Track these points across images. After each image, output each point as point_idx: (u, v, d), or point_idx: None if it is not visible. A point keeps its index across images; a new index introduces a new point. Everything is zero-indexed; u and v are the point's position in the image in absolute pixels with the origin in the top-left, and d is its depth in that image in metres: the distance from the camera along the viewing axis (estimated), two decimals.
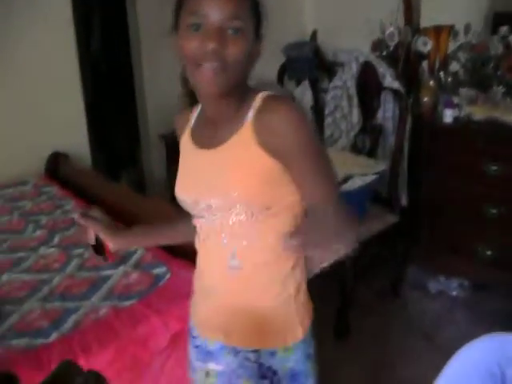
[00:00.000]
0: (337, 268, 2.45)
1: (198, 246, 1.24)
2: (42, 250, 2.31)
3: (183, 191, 1.19)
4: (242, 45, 1.00)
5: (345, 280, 2.69)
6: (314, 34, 4.01)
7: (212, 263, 1.21)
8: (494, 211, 2.82)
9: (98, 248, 1.31)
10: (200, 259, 1.26)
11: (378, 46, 3.36)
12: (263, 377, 1.18)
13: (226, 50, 0.98)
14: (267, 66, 2.10)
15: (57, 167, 3.32)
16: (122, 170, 4.66)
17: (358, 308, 2.86)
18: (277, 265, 1.15)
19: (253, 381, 1.19)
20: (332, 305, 2.70)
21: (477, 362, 1.06)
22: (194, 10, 0.99)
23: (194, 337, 1.31)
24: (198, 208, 1.15)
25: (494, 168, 2.75)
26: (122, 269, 2.08)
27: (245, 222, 1.09)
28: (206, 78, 1.00)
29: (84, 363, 1.61)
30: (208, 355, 1.25)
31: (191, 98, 1.20)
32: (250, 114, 1.05)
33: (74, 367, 0.68)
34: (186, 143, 1.22)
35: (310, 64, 3.72)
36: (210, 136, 1.13)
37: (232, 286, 1.18)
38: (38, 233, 2.48)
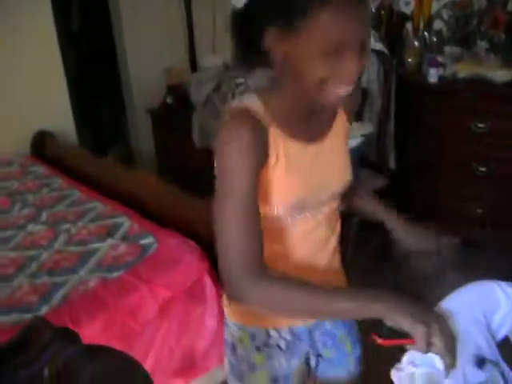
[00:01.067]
0: None
1: (295, 245, 1.14)
2: (30, 228, 2.30)
3: (306, 189, 1.08)
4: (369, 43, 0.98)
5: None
6: None
7: (320, 258, 1.19)
8: (483, 169, 2.81)
9: None
10: (301, 259, 1.16)
11: None
12: None
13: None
14: None
15: (43, 146, 3.29)
16: (109, 145, 4.63)
17: (354, 270, 2.86)
18: None
19: None
20: None
21: (462, 311, 1.08)
22: (340, 29, 0.88)
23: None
24: (315, 201, 1.11)
25: (481, 125, 2.73)
26: (109, 241, 2.08)
27: (336, 209, 1.19)
28: (338, 98, 0.96)
29: None
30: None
31: None
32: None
33: (42, 322, 0.67)
34: (283, 144, 1.03)
35: None
36: (314, 128, 1.09)
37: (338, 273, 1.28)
38: (25, 211, 2.47)
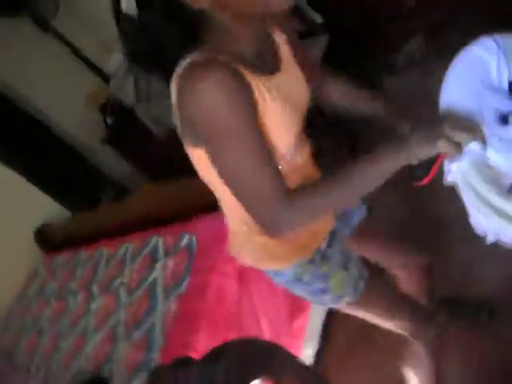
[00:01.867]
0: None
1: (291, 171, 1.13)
2: (93, 306, 2.36)
3: (297, 119, 1.08)
4: None
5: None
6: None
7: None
8: None
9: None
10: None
11: None
12: None
13: None
14: None
15: (47, 239, 3.33)
16: (100, 193, 4.62)
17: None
18: None
19: None
20: None
21: (462, 93, 1.10)
22: None
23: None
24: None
25: None
26: (159, 265, 2.13)
27: None
28: None
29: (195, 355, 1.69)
30: None
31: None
32: None
33: (158, 370, 0.72)
34: (259, 83, 0.97)
35: None
36: (268, 59, 1.06)
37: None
38: (79, 298, 2.53)
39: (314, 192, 1.00)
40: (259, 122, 0.95)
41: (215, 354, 0.82)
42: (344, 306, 1.34)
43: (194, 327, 1.75)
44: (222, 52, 0.93)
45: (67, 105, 3.90)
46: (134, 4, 0.92)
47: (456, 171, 1.01)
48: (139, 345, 1.90)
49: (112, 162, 4.13)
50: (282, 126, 1.01)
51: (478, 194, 0.98)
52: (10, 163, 3.60)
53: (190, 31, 0.95)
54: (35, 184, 3.63)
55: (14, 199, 3.41)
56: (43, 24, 3.53)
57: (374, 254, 1.56)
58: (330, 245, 1.27)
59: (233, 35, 0.97)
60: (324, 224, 1.26)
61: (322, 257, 1.25)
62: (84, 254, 2.83)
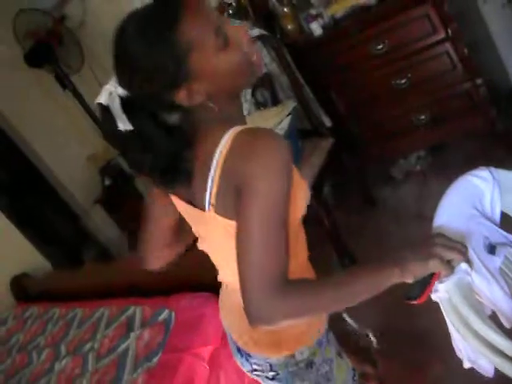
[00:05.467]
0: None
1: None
2: (57, 366, 2.30)
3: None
4: None
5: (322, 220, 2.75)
6: None
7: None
8: (403, 81, 2.92)
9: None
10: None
11: (221, 9, 3.40)
12: None
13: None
14: None
15: (22, 288, 3.28)
16: (82, 251, 4.61)
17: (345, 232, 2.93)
18: None
19: None
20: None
21: (455, 217, 1.15)
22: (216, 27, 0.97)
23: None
24: None
25: (380, 47, 2.84)
26: (133, 335, 2.10)
27: None
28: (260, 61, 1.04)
29: None
30: None
31: None
32: None
33: None
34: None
35: None
36: None
37: None
38: (44, 354, 2.47)
39: (309, 288, 0.97)
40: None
41: None
42: None
43: None
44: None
45: (69, 160, 3.99)
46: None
47: (442, 290, 1.03)
48: None
49: (101, 223, 4.16)
50: (302, 187, 1.06)
51: (459, 315, 1.00)
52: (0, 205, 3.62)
53: (181, 134, 1.02)
54: (21, 230, 3.63)
55: None
56: (63, 81, 3.66)
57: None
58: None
59: (225, 118, 1.02)
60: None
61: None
62: (58, 310, 2.79)
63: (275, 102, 3.19)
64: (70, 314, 2.65)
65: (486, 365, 1.01)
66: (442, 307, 1.04)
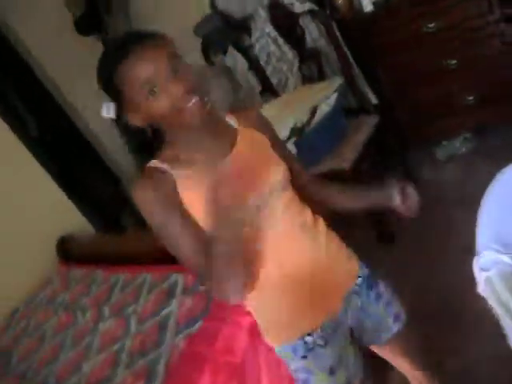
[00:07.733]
0: None
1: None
2: (101, 327, 2.39)
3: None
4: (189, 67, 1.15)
5: None
6: (212, 2, 4.01)
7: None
8: (453, 61, 2.87)
9: None
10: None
11: None
12: None
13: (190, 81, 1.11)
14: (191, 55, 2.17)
15: (68, 249, 3.39)
16: (121, 215, 4.70)
17: None
18: None
19: None
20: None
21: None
22: (143, 80, 1.08)
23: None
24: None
25: (431, 25, 2.79)
26: (174, 302, 2.17)
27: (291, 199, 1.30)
28: (192, 111, 1.11)
29: None
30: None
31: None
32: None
33: None
34: (196, 182, 1.14)
35: (224, 31, 3.73)
36: (215, 151, 1.21)
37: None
38: (88, 315, 2.57)
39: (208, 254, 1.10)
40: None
41: None
42: None
43: (197, 368, 1.77)
44: (163, 155, 1.20)
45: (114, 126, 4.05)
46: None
47: (485, 282, 1.04)
48: (140, 374, 1.92)
49: None
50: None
51: (506, 307, 1.00)
52: (47, 166, 3.71)
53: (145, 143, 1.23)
54: (68, 194, 3.73)
55: (45, 203, 3.51)
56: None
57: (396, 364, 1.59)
58: (326, 338, 1.30)
59: (172, 140, 1.20)
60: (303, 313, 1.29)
61: (308, 350, 1.29)
62: (101, 273, 2.88)
63: (321, 77, 3.17)
64: (113, 278, 2.74)
65: None
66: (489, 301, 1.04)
